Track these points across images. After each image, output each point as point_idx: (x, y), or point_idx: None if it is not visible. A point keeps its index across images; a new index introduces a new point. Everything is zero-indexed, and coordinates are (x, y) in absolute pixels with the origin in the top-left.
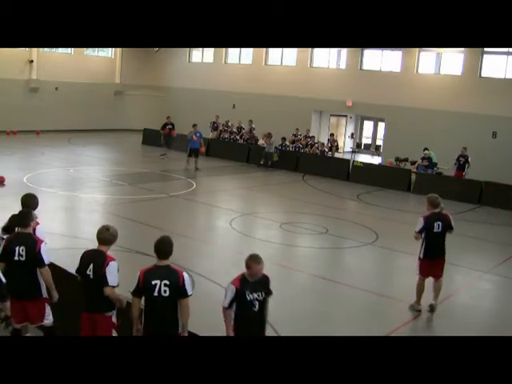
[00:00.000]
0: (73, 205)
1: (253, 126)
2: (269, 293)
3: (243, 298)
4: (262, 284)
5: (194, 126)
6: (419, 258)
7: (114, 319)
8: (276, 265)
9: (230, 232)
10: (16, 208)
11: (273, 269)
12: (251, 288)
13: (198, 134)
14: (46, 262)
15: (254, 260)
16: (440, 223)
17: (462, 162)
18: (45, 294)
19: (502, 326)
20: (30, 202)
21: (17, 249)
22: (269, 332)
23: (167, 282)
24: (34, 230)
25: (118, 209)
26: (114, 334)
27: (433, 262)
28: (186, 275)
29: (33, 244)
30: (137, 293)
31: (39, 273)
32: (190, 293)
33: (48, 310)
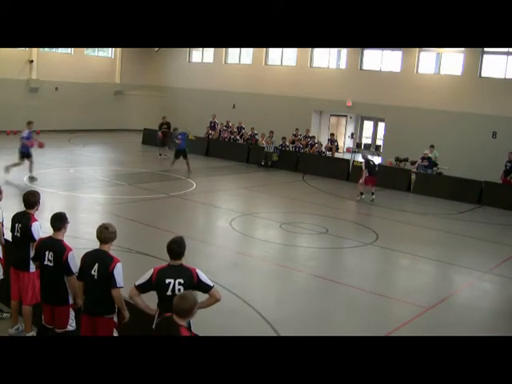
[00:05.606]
0: (73, 205)
1: (255, 131)
2: None
3: None
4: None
5: (175, 129)
6: None
7: (115, 319)
8: (276, 265)
9: (230, 232)
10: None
11: (273, 269)
12: None
13: (180, 136)
14: (74, 270)
15: None
16: None
17: (508, 167)
18: (71, 301)
19: (502, 326)
20: (28, 200)
21: (46, 253)
22: (269, 332)
23: (181, 281)
24: (31, 226)
25: (117, 209)
26: (115, 333)
27: None
28: (199, 271)
29: (61, 251)
30: (142, 288)
31: (66, 280)
32: (211, 284)
33: (72, 316)
